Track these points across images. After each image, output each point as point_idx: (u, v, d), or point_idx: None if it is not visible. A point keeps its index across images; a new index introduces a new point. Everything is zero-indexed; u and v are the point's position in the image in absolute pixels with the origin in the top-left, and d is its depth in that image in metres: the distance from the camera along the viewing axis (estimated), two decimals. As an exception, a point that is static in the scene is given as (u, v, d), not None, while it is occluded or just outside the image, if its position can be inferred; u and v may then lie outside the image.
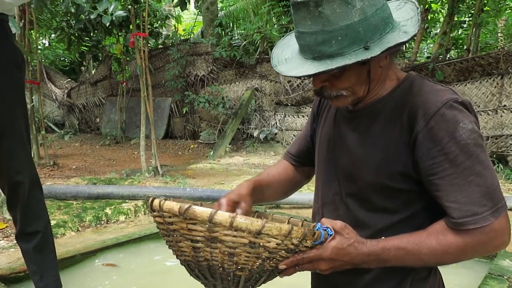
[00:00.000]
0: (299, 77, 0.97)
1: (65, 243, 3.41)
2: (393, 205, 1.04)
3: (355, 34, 0.90)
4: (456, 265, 3.08)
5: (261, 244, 0.86)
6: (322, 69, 0.91)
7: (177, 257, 0.99)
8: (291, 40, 1.08)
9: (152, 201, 0.93)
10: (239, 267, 0.90)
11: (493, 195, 0.92)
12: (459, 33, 10.76)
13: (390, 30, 0.95)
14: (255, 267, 0.90)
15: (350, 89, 1.00)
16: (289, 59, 1.02)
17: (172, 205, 0.88)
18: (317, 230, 0.94)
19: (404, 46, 12.35)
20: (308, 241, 0.92)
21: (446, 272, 1.17)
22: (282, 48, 1.08)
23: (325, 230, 0.96)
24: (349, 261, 0.97)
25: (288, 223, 1.15)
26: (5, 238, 3.46)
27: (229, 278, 0.92)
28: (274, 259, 0.92)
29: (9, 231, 3.58)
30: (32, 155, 2.31)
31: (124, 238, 3.51)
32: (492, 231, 0.92)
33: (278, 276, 1.00)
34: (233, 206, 1.10)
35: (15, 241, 3.30)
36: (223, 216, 0.84)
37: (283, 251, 0.91)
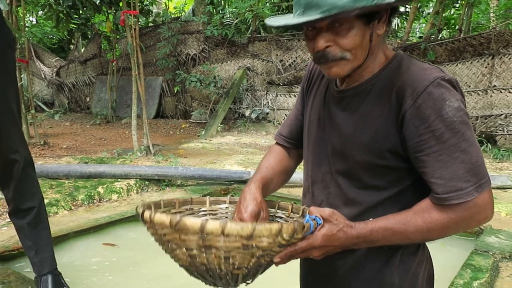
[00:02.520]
0: (314, 21, 0.94)
1: (58, 222, 3.43)
2: (383, 182, 1.06)
3: None
4: (443, 242, 3.17)
5: (254, 245, 0.89)
6: (335, 12, 0.91)
7: (174, 261, 1.00)
8: (280, 17, 1.08)
9: (143, 213, 0.92)
10: (236, 267, 0.92)
11: (478, 171, 0.95)
12: (452, 12, 10.75)
13: None
14: (251, 264, 0.93)
15: (353, 51, 1.00)
16: (288, 23, 1.01)
17: (163, 219, 0.87)
18: (306, 222, 0.97)
19: (397, 25, 12.32)
20: (299, 234, 0.95)
21: (433, 249, 1.20)
22: (273, 21, 1.08)
23: (314, 219, 0.98)
24: (339, 245, 1.01)
25: (292, 210, 1.19)
26: (-3, 217, 3.47)
27: (227, 277, 0.95)
28: (269, 255, 0.95)
29: (1, 210, 3.59)
30: (23, 134, 2.32)
31: (117, 216, 3.53)
32: (475, 206, 0.95)
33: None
34: (255, 219, 1.11)
35: (8, 220, 3.31)
36: (214, 225, 0.85)
37: (276, 247, 0.94)
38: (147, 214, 0.91)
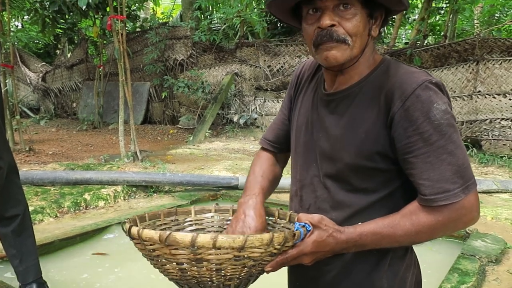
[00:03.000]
0: None
1: (43, 229, 3.38)
2: (372, 185, 1.07)
3: None
4: (430, 246, 3.19)
5: (245, 256, 0.89)
6: None
7: (164, 275, 0.98)
8: None
9: (130, 229, 0.90)
10: (227, 278, 0.92)
11: (464, 173, 0.96)
12: (437, 19, 10.91)
13: None
14: (242, 274, 0.93)
15: (354, 38, 1.02)
16: None
17: (152, 234, 0.86)
18: (297, 230, 0.97)
19: (383, 31, 12.45)
20: (289, 242, 0.95)
21: (421, 253, 1.21)
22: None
23: (304, 226, 0.99)
24: (330, 251, 1.01)
25: (278, 216, 1.18)
26: (-19, 225, 3.40)
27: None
28: (260, 264, 0.95)
29: (-15, 217, 3.52)
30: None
31: (104, 223, 3.49)
32: (462, 208, 0.96)
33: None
34: None
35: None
36: (204, 238, 0.84)
37: (268, 256, 0.94)
38: (134, 230, 0.89)
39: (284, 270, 1.28)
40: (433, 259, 3.07)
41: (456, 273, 2.59)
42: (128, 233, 0.91)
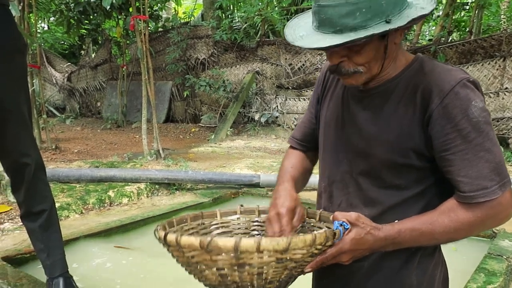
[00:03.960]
0: (324, 49, 0.96)
1: (70, 225, 3.45)
2: (405, 181, 1.06)
3: (378, 6, 0.92)
4: (455, 246, 3.13)
5: (288, 258, 0.88)
6: (349, 39, 0.92)
7: (200, 281, 0.96)
8: (300, 21, 1.08)
9: (165, 236, 0.87)
10: (268, 281, 0.91)
11: (501, 171, 0.96)
12: (462, 15, 10.67)
13: (407, 6, 0.98)
14: (283, 276, 0.93)
15: (367, 65, 1.02)
16: (305, 36, 1.02)
17: (192, 241, 0.84)
18: (336, 229, 0.97)
19: (406, 28, 12.25)
20: (329, 242, 0.95)
21: (445, 253, 1.19)
22: (293, 27, 1.08)
23: (342, 224, 0.98)
24: (368, 248, 1.01)
25: (307, 215, 1.16)
26: (9, 221, 3.50)
27: None
28: (301, 266, 0.94)
29: (14, 213, 3.62)
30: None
31: (127, 220, 3.55)
32: (499, 205, 0.96)
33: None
34: (292, 214, 1.11)
35: (20, 223, 3.34)
36: (248, 243, 0.82)
37: (308, 257, 0.93)
38: (171, 237, 0.86)
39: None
40: (457, 259, 3.01)
41: (483, 273, 2.53)
42: (164, 240, 0.89)
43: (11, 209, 3.67)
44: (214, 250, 0.83)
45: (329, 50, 1.01)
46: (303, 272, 0.99)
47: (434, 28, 11.60)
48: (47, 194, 2.14)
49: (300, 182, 1.30)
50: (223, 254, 0.84)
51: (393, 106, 1.06)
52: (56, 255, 2.11)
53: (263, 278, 0.89)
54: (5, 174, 3.87)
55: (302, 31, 1.04)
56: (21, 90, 1.96)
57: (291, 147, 1.40)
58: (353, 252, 1.00)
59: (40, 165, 2.09)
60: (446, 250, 1.18)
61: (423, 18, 0.95)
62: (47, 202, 2.12)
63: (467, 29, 8.94)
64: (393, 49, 1.04)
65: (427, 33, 13.82)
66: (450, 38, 8.88)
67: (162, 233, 0.89)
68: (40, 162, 2.10)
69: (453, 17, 8.98)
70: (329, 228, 1.01)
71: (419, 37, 9.57)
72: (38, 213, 2.09)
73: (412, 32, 8.76)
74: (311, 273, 1.29)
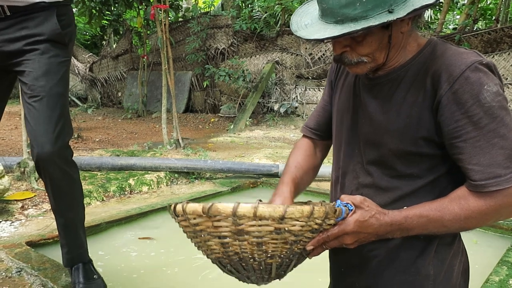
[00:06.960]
0: (321, 40, 0.95)
1: (91, 212, 3.52)
2: (417, 170, 1.03)
3: None
4: (476, 239, 3.07)
5: (286, 229, 0.88)
6: (346, 31, 0.90)
7: (207, 256, 1.01)
8: (310, 7, 1.07)
9: (175, 206, 0.94)
10: (269, 255, 0.92)
11: None
12: (488, 3, 10.38)
13: None
14: (284, 252, 0.93)
15: (371, 55, 0.99)
16: (309, 25, 1.00)
17: (195, 206, 0.90)
18: (338, 207, 0.96)
19: (430, 17, 12.00)
20: (330, 219, 0.94)
21: (467, 247, 1.16)
22: (301, 15, 1.06)
23: (345, 206, 0.97)
24: (373, 233, 0.98)
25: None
26: (33, 207, 3.58)
27: (261, 268, 0.94)
28: (301, 241, 0.94)
29: (37, 200, 3.71)
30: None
31: (147, 208, 3.60)
32: None
33: (307, 258, 1.03)
34: None
35: (44, 209, 3.42)
36: (245, 207, 0.86)
37: (308, 232, 0.93)
38: (179, 206, 0.93)
39: (326, 260, 1.27)
40: (478, 252, 2.96)
41: (506, 266, 2.48)
42: (174, 211, 0.94)
43: (35, 195, 3.76)
44: (215, 215, 0.88)
45: (332, 40, 0.98)
46: (305, 251, 0.97)
47: (458, 16, 11.32)
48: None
49: (304, 181, 1.28)
50: (223, 220, 0.88)
51: (402, 94, 1.03)
52: (75, 252, 2.15)
53: (264, 251, 0.91)
54: (29, 161, 3.96)
55: (308, 19, 1.02)
56: (67, 75, 2.09)
57: (304, 135, 1.38)
58: (357, 235, 0.98)
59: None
60: (466, 242, 1.16)
61: (426, 8, 0.90)
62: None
63: (493, 17, 8.69)
64: (400, 38, 1.00)
65: (451, 22, 13.50)
66: (475, 27, 8.65)
67: (173, 205, 0.96)
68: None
69: (479, 5, 8.73)
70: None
71: (443, 26, 9.34)
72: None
73: (436, 21, 8.56)
74: (327, 267, 1.29)
